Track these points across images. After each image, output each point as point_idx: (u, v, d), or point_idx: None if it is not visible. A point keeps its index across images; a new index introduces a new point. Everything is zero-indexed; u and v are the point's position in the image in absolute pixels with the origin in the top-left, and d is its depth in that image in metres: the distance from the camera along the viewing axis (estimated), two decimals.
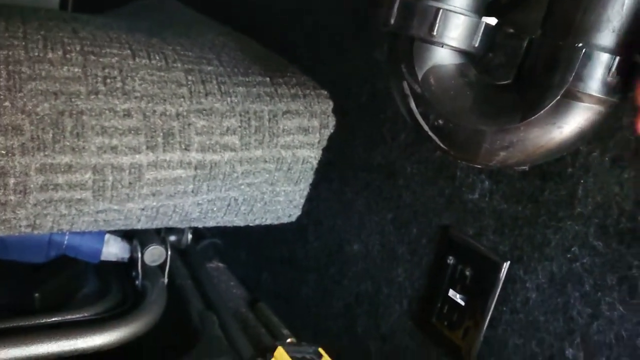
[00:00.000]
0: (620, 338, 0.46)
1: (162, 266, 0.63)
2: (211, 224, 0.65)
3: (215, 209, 0.62)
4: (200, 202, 0.60)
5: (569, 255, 0.50)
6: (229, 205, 0.63)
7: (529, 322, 0.53)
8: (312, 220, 0.79)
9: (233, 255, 0.96)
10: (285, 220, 0.72)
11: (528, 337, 0.53)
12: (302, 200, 0.70)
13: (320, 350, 0.62)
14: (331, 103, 0.64)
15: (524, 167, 0.44)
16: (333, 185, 0.76)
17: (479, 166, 0.53)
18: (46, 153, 0.50)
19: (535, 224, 0.52)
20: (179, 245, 0.69)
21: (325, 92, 0.64)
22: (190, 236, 0.70)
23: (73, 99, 0.51)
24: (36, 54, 0.52)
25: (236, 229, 0.87)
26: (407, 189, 0.66)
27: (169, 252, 0.63)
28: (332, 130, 0.66)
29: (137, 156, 0.55)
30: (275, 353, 0.58)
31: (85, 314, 0.57)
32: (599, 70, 0.34)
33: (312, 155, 0.64)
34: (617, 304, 0.46)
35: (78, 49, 0.55)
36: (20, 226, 0.52)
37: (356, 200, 0.73)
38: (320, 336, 0.78)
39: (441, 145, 0.39)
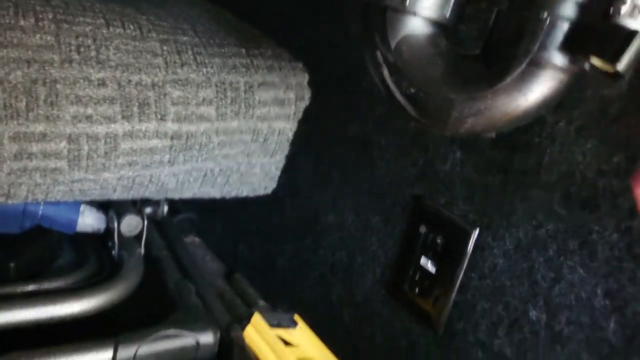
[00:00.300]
0: (580, 299, 0.49)
1: (138, 237, 0.63)
2: (188, 195, 0.66)
3: (191, 179, 0.63)
4: (176, 172, 0.61)
5: (534, 222, 0.52)
6: (205, 176, 0.64)
7: (496, 287, 0.55)
8: (288, 192, 0.80)
9: (209, 229, 0.97)
10: (261, 192, 0.73)
11: (495, 301, 0.55)
12: (278, 172, 0.71)
13: (296, 316, 0.63)
14: (307, 75, 0.65)
15: (491, 135, 0.46)
16: (309, 157, 0.76)
17: (449, 134, 0.55)
18: (20, 122, 0.50)
19: (504, 193, 0.54)
20: (155, 217, 0.69)
21: (301, 65, 0.65)
22: (166, 208, 0.70)
23: (46, 67, 0.51)
24: (7, 21, 0.51)
25: (212, 203, 0.88)
26: (382, 160, 0.67)
27: (146, 223, 0.63)
28: (307, 103, 0.67)
29: (112, 125, 0.55)
30: (252, 319, 0.59)
31: (62, 283, 0.57)
32: (562, 40, 0.35)
33: (288, 127, 0.65)
34: (578, 268, 0.49)
35: (50, 17, 0.54)
36: None
37: (332, 172, 0.74)
38: (296, 305, 0.79)
39: (413, 113, 0.41)
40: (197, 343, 0.52)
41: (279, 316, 0.62)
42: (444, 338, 0.60)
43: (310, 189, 0.78)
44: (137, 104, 0.56)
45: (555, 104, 0.40)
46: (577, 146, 0.48)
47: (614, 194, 0.46)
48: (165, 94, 0.57)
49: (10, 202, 0.53)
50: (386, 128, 0.66)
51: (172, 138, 0.58)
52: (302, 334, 0.62)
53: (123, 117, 0.55)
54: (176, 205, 0.92)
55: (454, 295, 0.59)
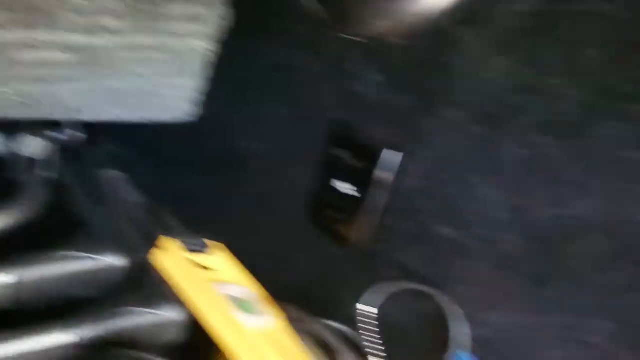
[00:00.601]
0: (488, 214, 0.51)
1: (44, 162, 0.59)
2: (102, 117, 0.62)
3: (101, 99, 0.59)
4: (82, 90, 0.57)
5: (447, 141, 0.53)
6: (115, 96, 0.60)
7: (409, 205, 0.56)
8: (209, 121, 0.78)
9: (129, 162, 0.93)
10: (179, 117, 0.70)
11: (409, 219, 0.57)
12: (196, 96, 0.68)
13: (205, 240, 0.62)
14: None
15: (402, 41, 0.46)
16: (230, 83, 0.74)
17: (361, 38, 0.53)
18: None
19: (419, 113, 0.55)
20: (68, 145, 0.65)
21: None
22: (81, 135, 0.66)
23: None
24: None
25: (132, 135, 0.84)
26: (303, 85, 0.66)
27: (53, 147, 0.59)
28: (225, 21, 0.63)
29: (7, 35, 0.50)
30: (163, 243, 0.57)
31: None
32: None
33: (204, 46, 0.62)
34: (486, 182, 0.50)
35: None
36: None
37: (253, 98, 0.72)
38: (220, 236, 0.78)
39: (328, 17, 0.39)
40: (106, 265, 0.51)
41: (192, 241, 0.61)
42: (364, 259, 0.61)
43: (231, 116, 0.76)
44: (38, 12, 0.51)
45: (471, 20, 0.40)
46: (489, 63, 0.49)
47: (522, 111, 0.47)
48: (68, 2, 0.52)
49: None
50: (308, 52, 0.65)
51: (76, 52, 0.54)
52: (220, 259, 0.62)
53: (21, 26, 0.51)
54: (95, 137, 0.87)
55: (372, 217, 0.60)
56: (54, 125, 0.65)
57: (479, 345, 0.52)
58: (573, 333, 0.45)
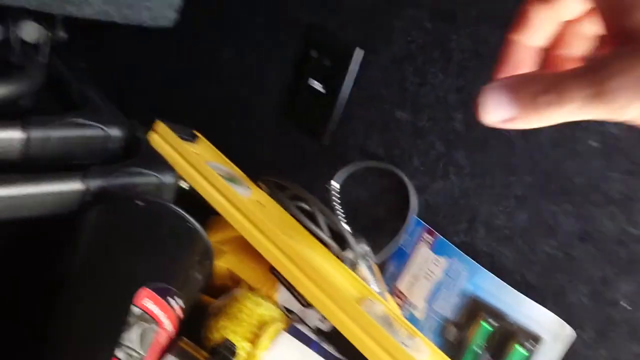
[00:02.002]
0: (438, 98, 0.60)
1: (39, 48, 0.64)
2: (88, 12, 0.67)
3: None
4: None
5: (408, 38, 0.61)
6: None
7: (373, 96, 0.65)
8: (186, 29, 0.83)
9: (105, 81, 0.97)
10: (161, 22, 0.75)
11: (372, 109, 0.65)
12: (179, 2, 0.73)
13: (195, 132, 0.69)
14: None
15: None
16: None
17: None
18: None
19: (385, 14, 0.63)
20: (53, 42, 0.69)
21: None
22: (65, 35, 0.70)
23: None
24: None
25: (109, 42, 0.88)
26: None
27: (48, 33, 0.64)
28: None
29: None
30: (156, 125, 0.64)
31: None
32: None
33: None
34: (439, 73, 0.59)
35: None
36: None
37: (230, 7, 0.78)
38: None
39: None
40: (106, 134, 0.57)
41: (180, 129, 0.67)
42: (330, 147, 0.70)
43: (207, 25, 0.81)
44: None
45: None
46: None
47: (469, 5, 0.56)
48: None
49: None
50: None
51: None
52: (203, 147, 0.69)
53: None
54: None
55: (337, 109, 0.68)
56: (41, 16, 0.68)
57: (428, 211, 0.62)
58: (504, 190, 0.56)
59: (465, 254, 0.58)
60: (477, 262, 0.57)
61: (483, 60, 0.56)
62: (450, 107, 0.59)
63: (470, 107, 0.57)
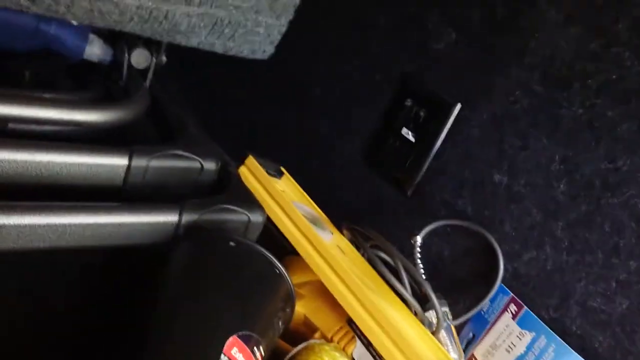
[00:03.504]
0: (540, 164, 0.57)
1: (144, 73, 0.66)
2: (194, 42, 0.68)
3: (202, 24, 0.65)
4: (190, 13, 0.63)
5: (511, 98, 0.59)
6: (214, 24, 0.66)
7: (467, 154, 0.63)
8: (279, 62, 0.84)
9: (193, 104, 0.99)
10: (259, 55, 0.76)
11: (464, 166, 0.63)
12: (279, 37, 0.74)
13: (282, 168, 0.69)
14: None
15: None
16: (305, 29, 0.80)
17: None
18: None
19: (488, 72, 0.61)
20: (155, 65, 0.71)
21: None
22: (165, 58, 0.72)
23: None
24: None
25: (198, 71, 0.90)
26: (377, 38, 0.72)
27: (154, 59, 0.66)
28: None
29: None
30: (247, 160, 0.64)
31: (76, 97, 0.60)
32: None
33: None
34: (543, 138, 0.57)
35: None
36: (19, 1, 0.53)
37: (326, 46, 0.79)
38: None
39: None
40: (202, 166, 0.57)
41: (268, 164, 0.68)
42: (413, 199, 0.68)
43: (302, 60, 0.82)
44: None
45: None
46: (562, 32, 0.55)
47: (586, 76, 0.54)
48: None
49: (33, 9, 0.54)
50: (387, 8, 0.71)
51: None
52: (288, 184, 0.69)
53: None
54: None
55: (428, 161, 0.66)
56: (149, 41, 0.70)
57: (516, 280, 0.59)
58: (606, 272, 0.52)
59: (554, 332, 0.55)
60: (566, 342, 0.54)
61: (596, 133, 0.53)
62: (552, 175, 0.56)
63: (576, 178, 0.55)
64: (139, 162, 0.53)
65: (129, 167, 0.53)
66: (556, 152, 0.56)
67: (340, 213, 0.75)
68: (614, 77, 0.52)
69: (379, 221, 0.72)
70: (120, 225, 0.50)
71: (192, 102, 0.96)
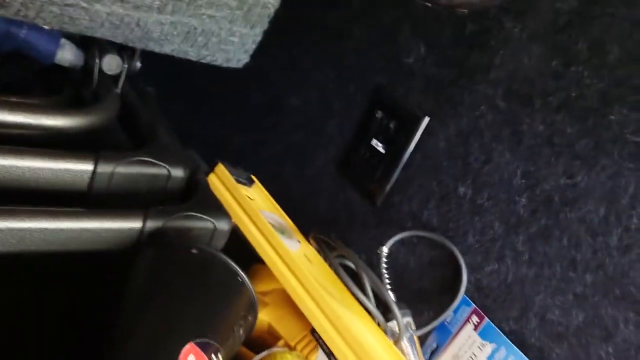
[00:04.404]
0: (502, 178, 0.58)
1: (116, 78, 0.66)
2: (167, 49, 0.69)
3: (175, 32, 0.66)
4: (163, 21, 0.64)
5: (477, 113, 0.61)
6: (188, 32, 0.67)
7: (434, 166, 0.64)
8: (254, 74, 0.85)
9: (167, 106, 0.99)
10: (233, 64, 0.77)
11: (431, 178, 0.64)
12: (254, 47, 0.75)
13: (253, 177, 0.70)
14: None
15: (464, 11, 0.53)
16: (281, 41, 0.81)
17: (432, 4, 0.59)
18: None
19: (456, 86, 0.62)
20: (129, 71, 0.71)
21: None
22: (139, 64, 0.73)
23: None
24: None
25: (174, 79, 0.91)
26: (352, 50, 0.73)
27: (126, 65, 0.66)
28: None
29: None
30: (216, 168, 0.65)
31: (43, 102, 0.60)
32: None
33: (272, 2, 0.69)
34: (506, 152, 0.58)
35: None
36: None
37: (302, 58, 0.79)
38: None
39: None
40: (169, 173, 0.58)
41: (238, 172, 0.68)
42: (382, 210, 0.69)
43: (277, 72, 0.83)
44: None
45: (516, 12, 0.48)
46: (525, 50, 0.57)
47: (548, 93, 0.55)
48: None
49: (1, 12, 0.54)
50: (362, 21, 0.72)
51: None
52: (258, 193, 0.69)
53: None
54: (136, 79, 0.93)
55: (397, 172, 0.67)
56: (122, 47, 0.71)
57: (478, 291, 0.60)
58: (563, 285, 0.54)
59: (513, 343, 0.56)
60: (524, 354, 0.55)
61: (556, 149, 0.54)
62: (514, 190, 0.57)
63: (536, 193, 0.56)
64: (105, 167, 0.54)
65: (94, 172, 0.53)
66: (518, 166, 0.57)
67: (312, 222, 0.76)
68: (573, 95, 0.53)
69: (350, 231, 0.72)
70: (83, 230, 0.50)
71: (166, 110, 0.96)
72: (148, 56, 0.75)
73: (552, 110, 0.55)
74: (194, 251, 0.50)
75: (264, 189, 0.69)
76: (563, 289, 0.53)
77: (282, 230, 0.63)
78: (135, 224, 0.52)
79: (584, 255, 0.52)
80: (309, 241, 0.66)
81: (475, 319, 0.59)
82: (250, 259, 0.62)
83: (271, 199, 0.69)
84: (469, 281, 0.60)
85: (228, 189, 0.63)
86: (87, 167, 0.53)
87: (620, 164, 0.50)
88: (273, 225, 0.61)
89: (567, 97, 0.54)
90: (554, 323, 0.54)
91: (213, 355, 0.46)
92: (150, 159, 0.56)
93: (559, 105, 0.54)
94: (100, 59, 0.64)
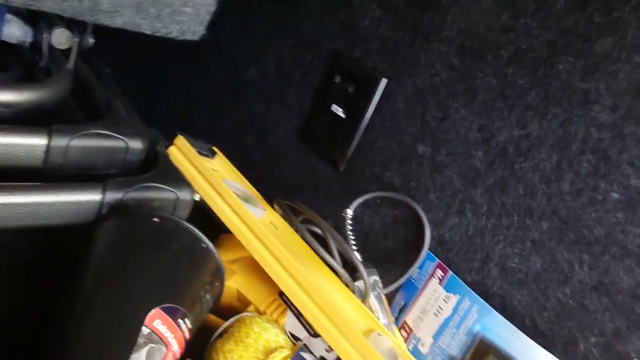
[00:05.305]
0: (459, 134, 0.60)
1: (67, 54, 0.64)
2: (118, 22, 0.67)
3: (125, 4, 0.65)
4: None
5: (432, 71, 0.61)
6: (139, 3, 0.65)
7: (394, 127, 0.65)
8: (212, 49, 0.84)
9: (126, 88, 0.98)
10: (189, 36, 0.75)
11: (391, 139, 0.65)
12: (208, 17, 0.74)
13: (215, 148, 0.69)
14: None
15: None
16: (238, 12, 0.80)
17: None
18: None
19: (411, 47, 0.63)
20: (80, 47, 0.70)
21: None
22: (92, 40, 0.71)
23: None
24: None
25: (131, 58, 0.89)
26: (307, 17, 0.73)
27: (77, 39, 0.64)
28: None
29: None
30: (176, 140, 0.64)
31: None
32: None
33: None
34: (461, 108, 0.59)
35: None
36: None
37: (257, 28, 0.79)
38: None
39: None
40: (127, 145, 0.57)
41: (200, 145, 0.67)
42: (346, 174, 0.70)
43: (234, 45, 0.82)
44: None
45: None
46: (476, 5, 0.58)
47: (499, 46, 0.56)
48: None
49: None
50: None
51: None
52: (221, 164, 0.69)
53: None
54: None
55: (358, 136, 0.68)
56: (72, 22, 0.69)
57: (441, 246, 0.61)
58: (521, 233, 0.55)
59: (477, 293, 0.57)
60: (488, 302, 0.57)
61: (509, 102, 0.56)
62: (470, 144, 0.59)
63: (492, 146, 0.57)
64: (59, 141, 0.53)
65: (48, 146, 0.52)
66: (474, 121, 0.58)
67: (277, 191, 0.76)
68: (523, 47, 0.54)
69: (315, 197, 0.73)
70: (39, 205, 0.49)
71: (125, 90, 0.95)
72: (104, 37, 0.73)
73: (503, 64, 0.56)
74: (156, 219, 0.50)
75: (227, 160, 0.69)
76: (521, 237, 0.55)
77: (246, 199, 0.63)
78: (93, 196, 0.51)
79: (539, 203, 0.54)
80: (274, 208, 0.66)
81: (439, 273, 0.61)
82: (216, 230, 0.62)
83: (235, 169, 0.69)
84: (432, 237, 0.61)
85: (189, 160, 0.63)
86: (40, 141, 0.52)
87: (569, 112, 0.51)
88: (237, 194, 0.61)
89: (517, 49, 0.55)
90: (514, 271, 0.56)
91: (180, 320, 0.46)
92: (106, 132, 0.55)
93: (510, 57, 0.55)
94: (50, 34, 0.62)
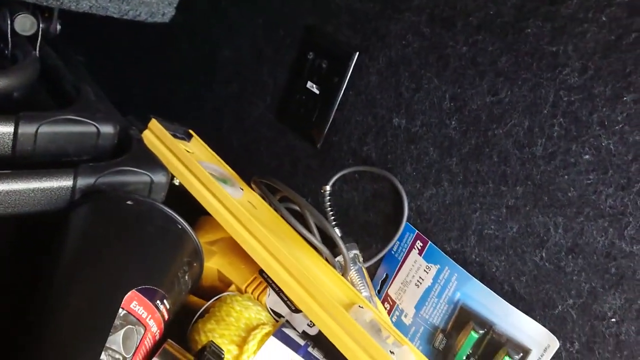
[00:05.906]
0: (433, 104, 0.59)
1: (32, 40, 0.63)
2: (84, 6, 0.66)
3: None
4: None
5: (403, 42, 0.61)
6: None
7: (368, 100, 0.65)
8: (186, 31, 0.83)
9: (100, 74, 0.96)
10: (159, 18, 0.74)
11: (366, 113, 0.65)
12: None
13: (190, 131, 0.69)
14: None
15: None
16: None
17: None
18: None
19: (382, 18, 0.62)
20: (47, 34, 0.68)
21: None
22: (59, 26, 0.70)
23: None
24: None
25: (104, 44, 0.88)
26: None
27: (41, 25, 0.63)
28: None
29: None
30: (150, 123, 0.63)
31: None
32: None
33: None
34: (434, 78, 0.59)
35: None
36: None
37: (228, 7, 0.78)
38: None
39: None
40: (98, 130, 0.56)
41: (175, 128, 0.67)
42: (323, 150, 0.69)
43: (207, 25, 0.81)
44: None
45: None
46: None
47: (468, 13, 0.56)
48: None
49: None
50: None
51: None
52: (197, 146, 0.68)
53: None
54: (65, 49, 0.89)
55: (333, 112, 0.67)
56: (36, 8, 0.67)
57: (420, 217, 0.61)
58: (496, 200, 0.55)
59: (456, 262, 0.58)
60: (467, 270, 0.57)
61: (480, 69, 0.55)
62: (444, 114, 0.59)
63: (465, 114, 0.57)
64: (27, 128, 0.52)
65: (15, 133, 0.51)
66: (446, 90, 0.58)
67: (256, 171, 0.76)
68: (491, 12, 0.54)
69: (294, 175, 0.73)
70: (9, 193, 0.48)
71: (99, 78, 0.93)
72: (76, 24, 0.72)
73: (473, 31, 0.56)
74: (129, 202, 0.50)
75: (203, 143, 0.69)
76: (497, 203, 0.55)
77: (224, 180, 0.63)
78: (65, 182, 0.50)
79: (513, 169, 0.54)
80: (252, 188, 0.66)
81: (419, 244, 0.61)
82: (196, 213, 0.61)
83: (211, 151, 0.68)
84: (410, 208, 0.61)
85: (164, 143, 0.62)
86: (7, 129, 0.51)
87: (539, 76, 0.51)
88: (214, 175, 0.60)
89: (485, 15, 0.54)
90: (491, 237, 0.56)
91: (159, 302, 0.46)
92: (76, 117, 0.55)
93: (479, 24, 0.55)
94: (12, 20, 0.61)
